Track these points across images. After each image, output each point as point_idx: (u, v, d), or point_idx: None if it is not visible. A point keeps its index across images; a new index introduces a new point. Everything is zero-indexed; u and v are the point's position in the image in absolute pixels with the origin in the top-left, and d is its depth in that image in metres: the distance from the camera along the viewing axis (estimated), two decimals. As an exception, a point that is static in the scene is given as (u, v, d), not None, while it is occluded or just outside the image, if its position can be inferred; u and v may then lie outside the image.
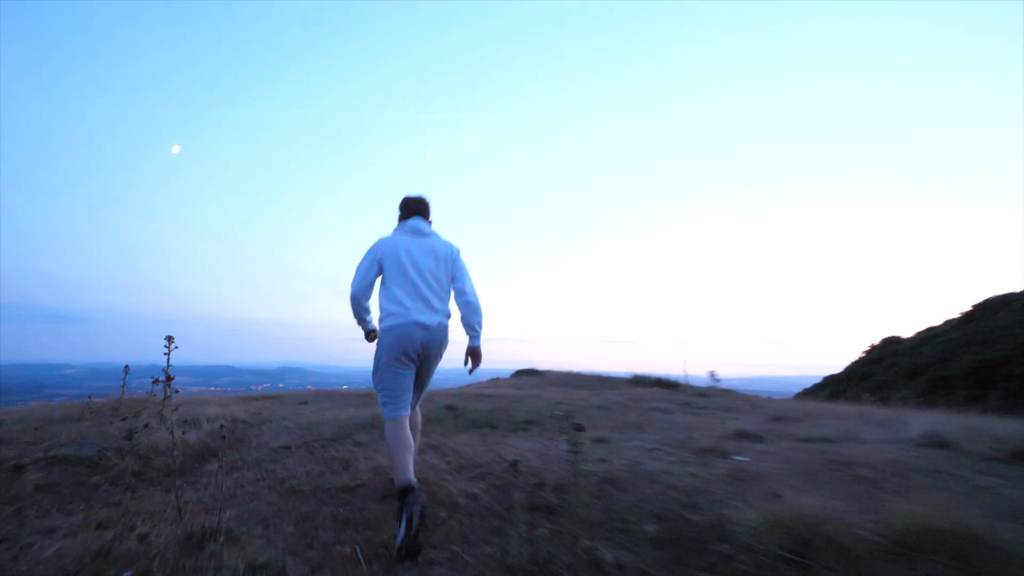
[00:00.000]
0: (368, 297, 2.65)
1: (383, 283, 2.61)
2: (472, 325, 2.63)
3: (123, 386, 4.70)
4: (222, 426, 3.82)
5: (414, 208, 2.80)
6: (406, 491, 2.19)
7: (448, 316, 2.64)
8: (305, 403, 5.80)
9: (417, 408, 2.85)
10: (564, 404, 5.93)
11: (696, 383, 9.96)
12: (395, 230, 2.76)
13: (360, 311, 2.66)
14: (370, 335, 2.74)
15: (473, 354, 2.63)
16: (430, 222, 2.83)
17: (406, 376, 2.52)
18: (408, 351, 2.49)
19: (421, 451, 3.29)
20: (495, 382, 9.82)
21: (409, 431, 2.47)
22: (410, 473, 2.29)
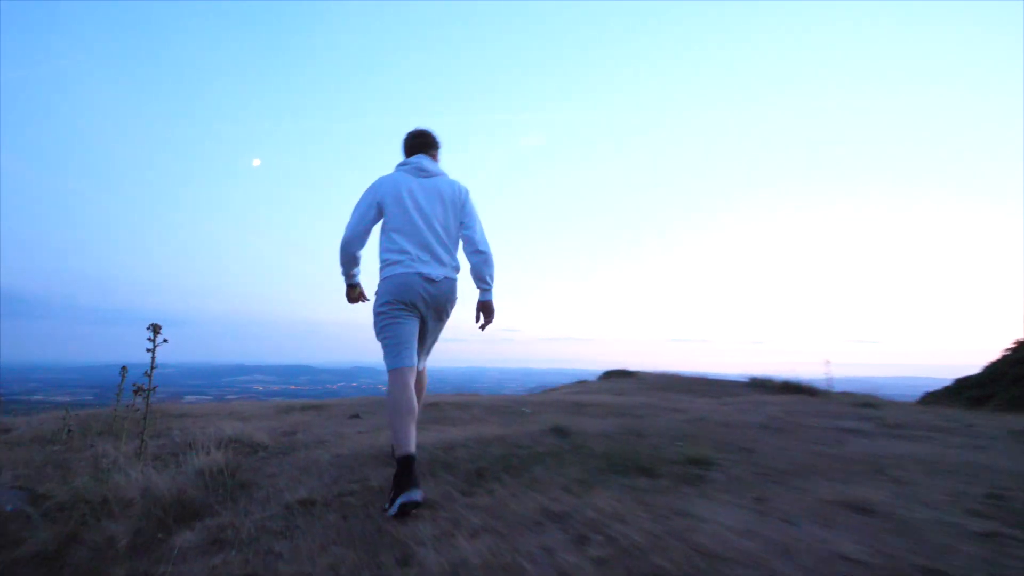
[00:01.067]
0: (362, 245, 2.36)
1: (383, 229, 2.34)
2: (483, 277, 2.38)
3: (118, 393, 3.55)
4: (221, 470, 2.44)
5: (419, 143, 2.51)
6: (406, 462, 1.98)
7: (457, 270, 2.38)
8: (356, 416, 4.43)
9: (422, 371, 2.57)
10: (705, 419, 4.21)
11: (814, 383, 7.98)
12: (396, 168, 2.45)
13: (349, 259, 2.38)
14: (352, 291, 2.47)
15: (485, 309, 2.40)
16: (437, 160, 2.53)
17: (409, 322, 2.26)
18: (411, 302, 2.24)
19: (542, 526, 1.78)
20: (583, 385, 8.21)
21: (414, 391, 2.20)
22: (411, 442, 2.05)
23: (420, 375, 2.54)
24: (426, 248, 2.26)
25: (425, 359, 2.56)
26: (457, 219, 2.39)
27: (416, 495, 1.90)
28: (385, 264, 2.29)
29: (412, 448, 2.03)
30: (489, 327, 2.42)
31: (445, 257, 2.32)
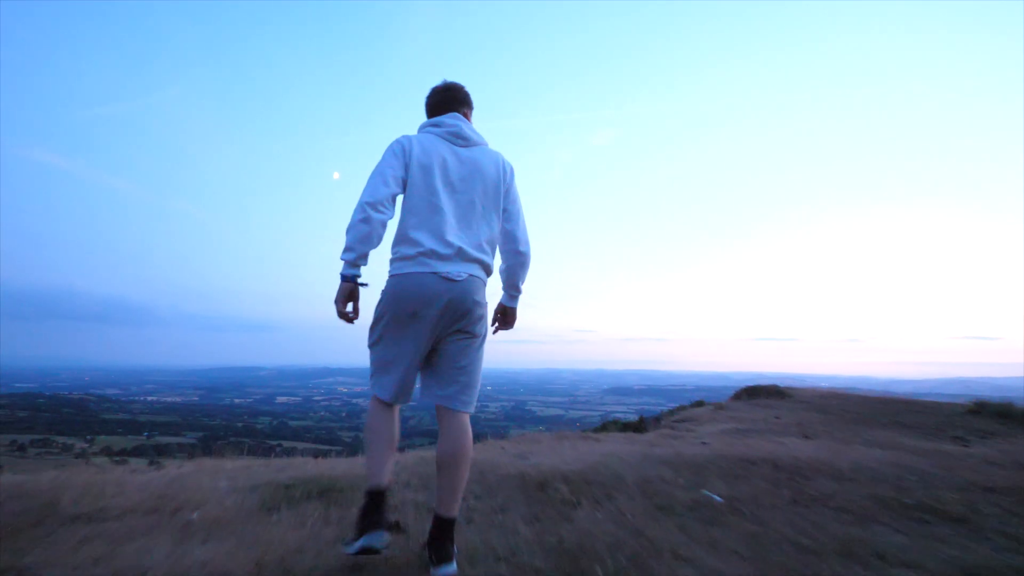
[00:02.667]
0: (387, 214, 1.70)
1: (404, 203, 1.74)
2: (516, 283, 1.89)
3: None
4: None
5: (449, 98, 1.91)
6: (375, 498, 1.67)
7: (488, 268, 1.80)
8: (397, 526, 2.33)
9: (460, 418, 1.72)
10: None
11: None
12: (422, 129, 1.86)
13: (364, 233, 1.66)
14: (346, 292, 1.70)
15: (506, 316, 1.92)
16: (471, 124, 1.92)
17: (411, 344, 1.71)
18: (420, 310, 1.68)
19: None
20: (726, 411, 5.82)
21: (397, 425, 1.79)
22: (384, 474, 1.71)
23: (455, 426, 1.71)
24: (452, 238, 1.71)
25: (459, 398, 1.74)
26: (497, 205, 1.82)
27: (379, 540, 1.61)
28: (395, 259, 1.73)
29: (384, 480, 1.69)
30: (502, 333, 1.94)
31: (473, 250, 1.74)
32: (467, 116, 1.93)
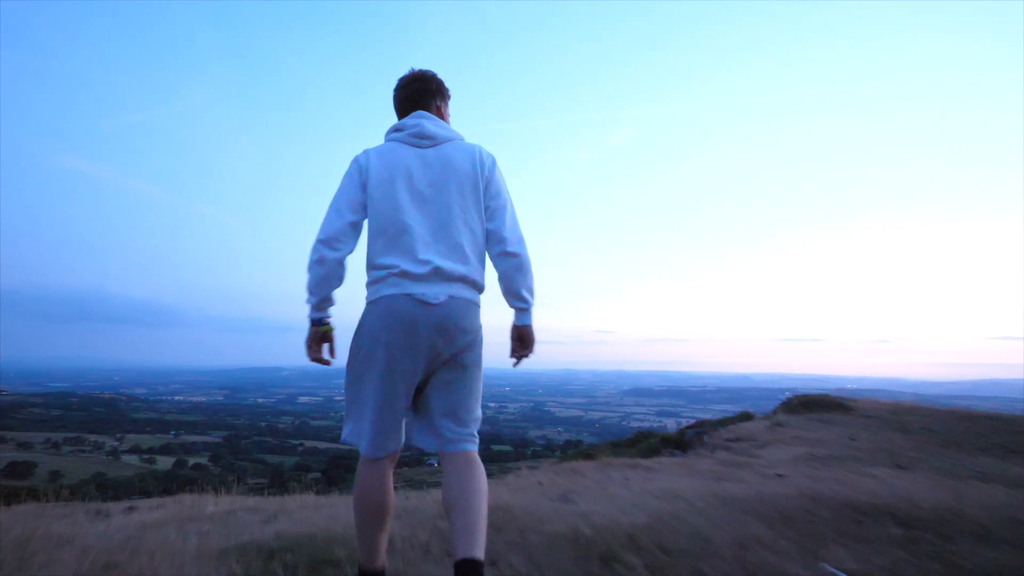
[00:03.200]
0: (342, 250, 1.53)
1: (368, 231, 1.56)
2: (517, 291, 1.57)
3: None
4: None
5: (414, 92, 1.68)
6: None
7: (476, 285, 1.55)
8: None
9: (463, 455, 1.50)
10: None
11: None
12: (387, 136, 1.65)
13: (321, 274, 1.51)
14: (317, 335, 1.56)
15: (522, 336, 1.61)
16: (446, 118, 1.72)
17: (390, 382, 1.48)
18: (399, 341, 1.47)
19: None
20: (779, 427, 5.13)
21: (391, 486, 1.55)
22: (378, 554, 1.52)
23: (458, 463, 1.49)
24: (424, 252, 1.50)
25: (456, 438, 1.52)
26: (478, 204, 1.58)
27: None
28: (368, 283, 1.54)
29: (379, 562, 1.53)
30: (526, 360, 1.63)
31: (455, 266, 1.51)
32: (441, 111, 1.71)
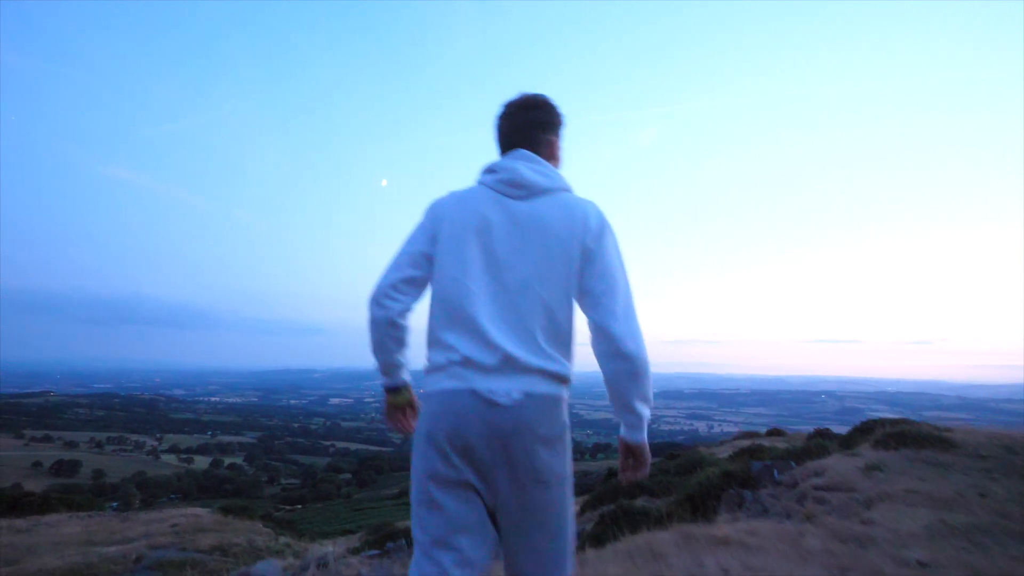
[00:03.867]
0: (402, 307, 1.29)
1: (431, 291, 1.31)
2: (629, 401, 1.24)
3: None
4: None
5: (521, 124, 1.38)
6: None
7: (559, 377, 1.24)
8: None
9: None
10: None
11: None
12: (478, 177, 1.37)
13: (381, 336, 1.30)
14: (396, 402, 1.38)
15: (635, 454, 1.29)
16: (556, 158, 1.42)
17: (456, 501, 1.19)
18: (458, 449, 1.19)
19: None
20: (875, 470, 4.34)
21: None
22: None
23: None
24: (498, 339, 1.20)
25: (544, 572, 1.21)
26: (567, 280, 1.25)
27: None
28: (426, 370, 1.29)
29: None
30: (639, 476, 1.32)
31: (531, 356, 1.20)
32: (550, 147, 1.41)
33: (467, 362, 1.21)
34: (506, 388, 1.18)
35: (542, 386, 1.21)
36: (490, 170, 1.35)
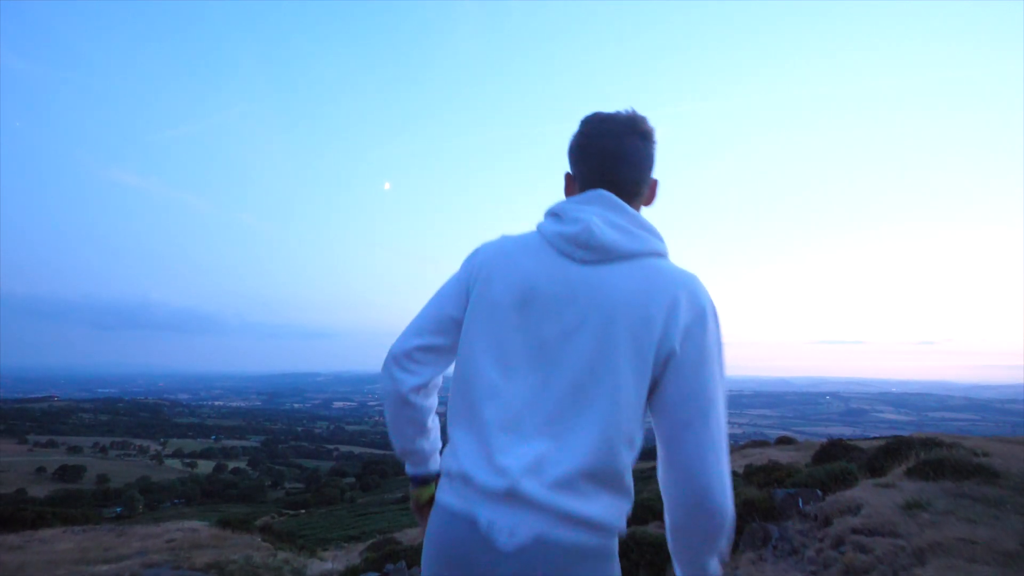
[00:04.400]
0: (409, 378, 0.96)
1: (453, 377, 0.99)
2: (701, 555, 0.88)
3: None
4: None
5: (605, 153, 0.96)
6: None
7: (598, 526, 0.85)
8: None
9: None
10: None
11: None
12: (540, 223, 0.98)
13: (395, 412, 0.98)
14: (417, 486, 1.06)
15: None
16: (649, 197, 1.03)
17: None
18: None
19: None
20: (916, 509, 3.99)
21: None
22: None
23: None
24: (512, 452, 0.87)
25: None
26: (645, 386, 0.87)
27: None
28: (442, 455, 1.00)
29: None
30: None
31: (553, 492, 0.84)
32: (637, 186, 0.99)
33: (466, 480, 0.89)
34: (510, 524, 0.84)
35: (566, 533, 0.84)
36: (554, 214, 0.97)
